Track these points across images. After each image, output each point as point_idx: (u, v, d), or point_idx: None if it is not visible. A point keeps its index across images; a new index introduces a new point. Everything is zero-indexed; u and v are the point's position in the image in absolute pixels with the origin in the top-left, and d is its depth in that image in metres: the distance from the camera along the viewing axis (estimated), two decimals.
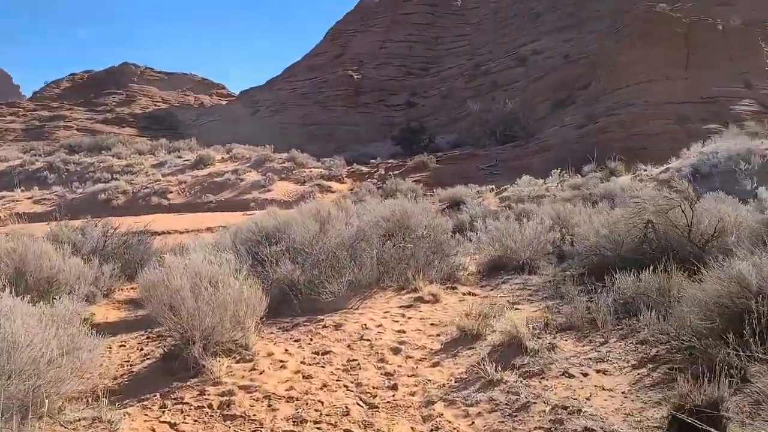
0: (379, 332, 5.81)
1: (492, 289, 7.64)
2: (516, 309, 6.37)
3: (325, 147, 71.59)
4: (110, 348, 6.52)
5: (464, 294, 7.34)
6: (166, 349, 5.47)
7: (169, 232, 27.57)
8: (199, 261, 5.39)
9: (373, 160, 47.04)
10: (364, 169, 44.59)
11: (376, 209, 9.79)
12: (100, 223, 13.11)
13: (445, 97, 78.65)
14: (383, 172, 40.67)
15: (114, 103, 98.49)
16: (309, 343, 5.66)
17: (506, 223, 9.14)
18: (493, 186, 26.90)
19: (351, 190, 40.20)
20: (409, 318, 6.29)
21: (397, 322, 6.19)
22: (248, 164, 42.39)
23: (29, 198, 38.77)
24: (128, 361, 5.83)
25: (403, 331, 5.86)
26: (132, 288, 12.32)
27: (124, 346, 6.51)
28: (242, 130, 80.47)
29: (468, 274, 8.32)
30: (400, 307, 6.70)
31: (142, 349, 6.20)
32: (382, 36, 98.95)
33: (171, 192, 38.92)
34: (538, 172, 30.83)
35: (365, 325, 6.04)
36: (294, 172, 40.77)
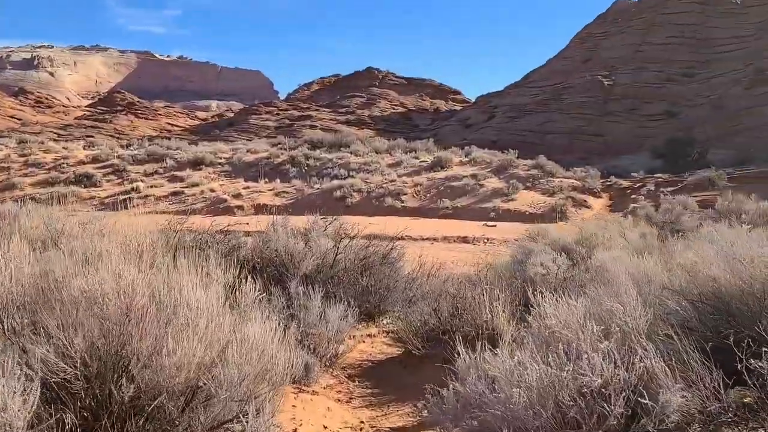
0: None
1: None
2: None
3: (565, 157, 64.74)
4: None
5: None
6: None
7: (401, 238, 24.44)
8: None
9: (635, 174, 39.84)
10: (624, 183, 37.78)
11: None
12: (332, 224, 9.24)
13: (716, 107, 67.28)
14: (653, 189, 33.43)
15: (356, 106, 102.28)
16: None
17: None
18: None
19: (609, 206, 33.80)
20: None
21: None
22: (488, 169, 38.21)
23: (271, 190, 39.11)
24: None
25: None
26: (368, 335, 8.05)
27: None
28: (476, 136, 77.22)
29: None
30: None
31: None
32: (639, 38, 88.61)
33: (405, 194, 36.40)
34: None
35: None
36: (541, 180, 35.54)
